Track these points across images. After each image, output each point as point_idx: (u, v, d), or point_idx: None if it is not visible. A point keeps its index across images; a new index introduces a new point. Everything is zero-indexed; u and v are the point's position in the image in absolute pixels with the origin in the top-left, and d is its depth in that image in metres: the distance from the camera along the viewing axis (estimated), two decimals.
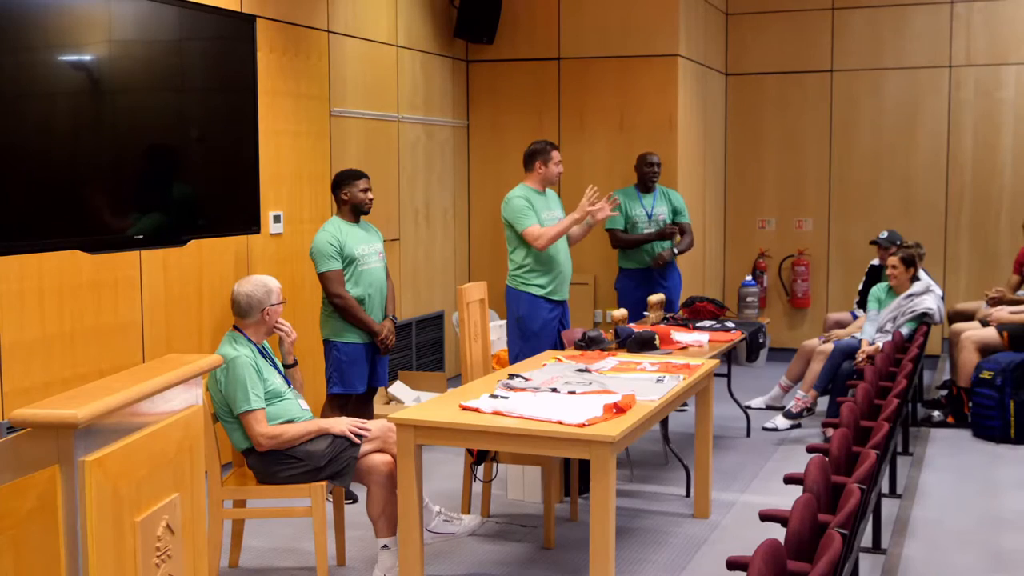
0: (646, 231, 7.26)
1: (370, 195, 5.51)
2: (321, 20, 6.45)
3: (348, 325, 5.40)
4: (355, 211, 5.49)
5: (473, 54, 8.35)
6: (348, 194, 5.47)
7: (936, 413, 6.99)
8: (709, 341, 5.82)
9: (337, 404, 5.42)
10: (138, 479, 2.34)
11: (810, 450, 4.02)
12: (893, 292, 6.82)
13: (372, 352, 5.50)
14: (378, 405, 6.37)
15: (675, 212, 7.41)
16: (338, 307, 5.36)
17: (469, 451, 4.81)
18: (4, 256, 4.37)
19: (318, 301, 5.57)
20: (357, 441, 4.21)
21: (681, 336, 5.83)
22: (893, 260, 6.77)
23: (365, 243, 5.47)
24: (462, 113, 8.34)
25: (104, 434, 2.23)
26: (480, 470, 4.98)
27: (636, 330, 5.63)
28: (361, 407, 5.54)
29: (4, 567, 2.15)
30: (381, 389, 6.40)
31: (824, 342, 7.00)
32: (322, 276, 5.37)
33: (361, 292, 5.41)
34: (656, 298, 6.62)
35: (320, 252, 5.36)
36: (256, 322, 4.31)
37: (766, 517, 3.29)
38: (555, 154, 6.08)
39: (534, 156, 6.09)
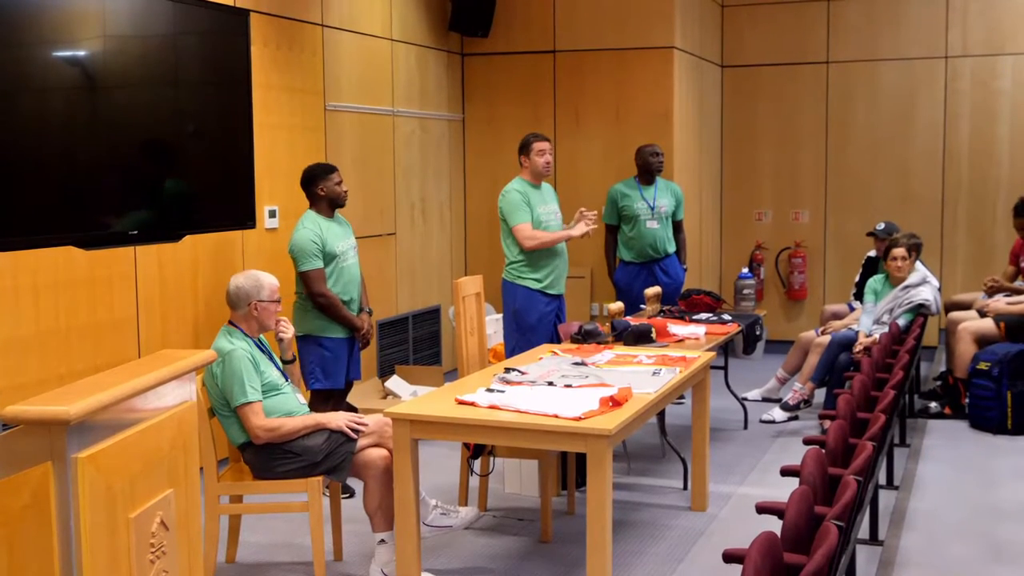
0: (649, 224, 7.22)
1: (345, 187, 5.47)
2: (315, 14, 6.43)
3: (331, 321, 5.37)
4: (332, 205, 5.42)
5: (468, 47, 8.33)
6: (325, 189, 5.37)
7: (933, 404, 6.99)
8: (706, 334, 5.81)
9: (321, 399, 5.38)
10: (132, 475, 2.33)
11: (807, 442, 4.02)
12: (890, 283, 6.80)
13: (351, 346, 5.49)
14: (375, 400, 6.37)
15: (677, 204, 7.39)
16: (322, 306, 5.30)
17: (466, 445, 4.80)
18: None
19: None
20: (354, 436, 4.20)
21: (678, 329, 5.82)
22: (901, 251, 6.69)
23: (343, 239, 5.42)
24: (457, 107, 8.32)
25: (97, 430, 2.22)
26: (477, 464, 4.98)
27: (632, 323, 5.63)
28: (341, 402, 5.53)
29: None
30: (377, 382, 6.39)
31: (821, 334, 6.99)
32: (305, 275, 5.28)
33: (342, 290, 5.37)
34: (653, 291, 6.60)
35: (302, 250, 5.26)
36: (245, 315, 4.29)
37: (763, 509, 3.29)
38: (536, 145, 6.03)
39: (519, 152, 6.09)
